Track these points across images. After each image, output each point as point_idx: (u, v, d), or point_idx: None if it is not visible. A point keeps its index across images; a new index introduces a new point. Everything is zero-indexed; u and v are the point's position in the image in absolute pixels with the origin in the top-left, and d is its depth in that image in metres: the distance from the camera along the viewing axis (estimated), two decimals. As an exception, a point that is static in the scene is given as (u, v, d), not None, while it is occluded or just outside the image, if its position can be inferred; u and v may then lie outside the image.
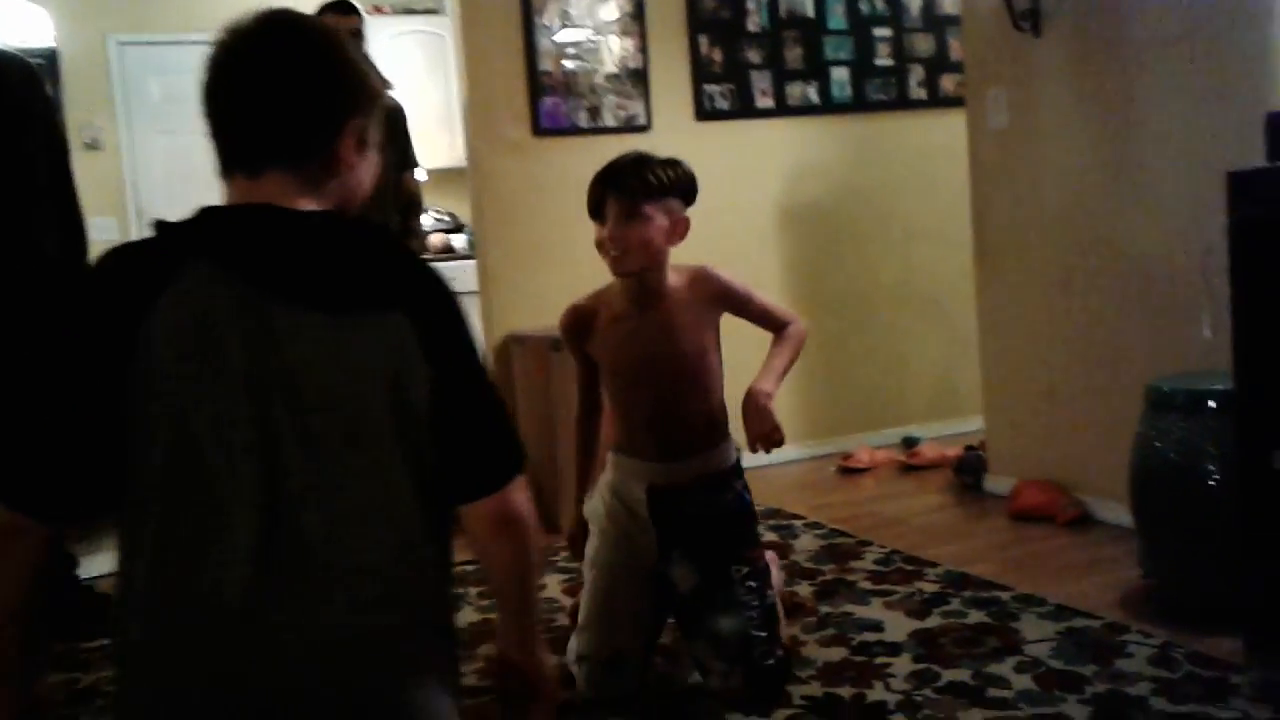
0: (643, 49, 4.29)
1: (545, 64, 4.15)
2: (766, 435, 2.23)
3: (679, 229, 2.28)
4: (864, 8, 4.64)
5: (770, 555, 2.48)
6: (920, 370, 4.73)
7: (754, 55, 4.48)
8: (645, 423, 2.33)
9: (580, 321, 2.37)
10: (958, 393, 4.60)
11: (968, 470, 3.92)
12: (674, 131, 4.23)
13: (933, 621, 2.64)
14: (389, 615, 1.22)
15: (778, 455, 2.25)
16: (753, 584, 2.28)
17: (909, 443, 4.42)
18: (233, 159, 1.30)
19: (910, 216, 4.70)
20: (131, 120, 5.95)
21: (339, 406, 1.22)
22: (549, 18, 4.16)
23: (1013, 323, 3.71)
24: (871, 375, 4.64)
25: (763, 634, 2.27)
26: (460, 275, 5.34)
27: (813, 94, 4.58)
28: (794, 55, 4.54)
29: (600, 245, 2.27)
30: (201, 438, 1.20)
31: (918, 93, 4.74)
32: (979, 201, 3.82)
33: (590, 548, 2.41)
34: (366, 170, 1.37)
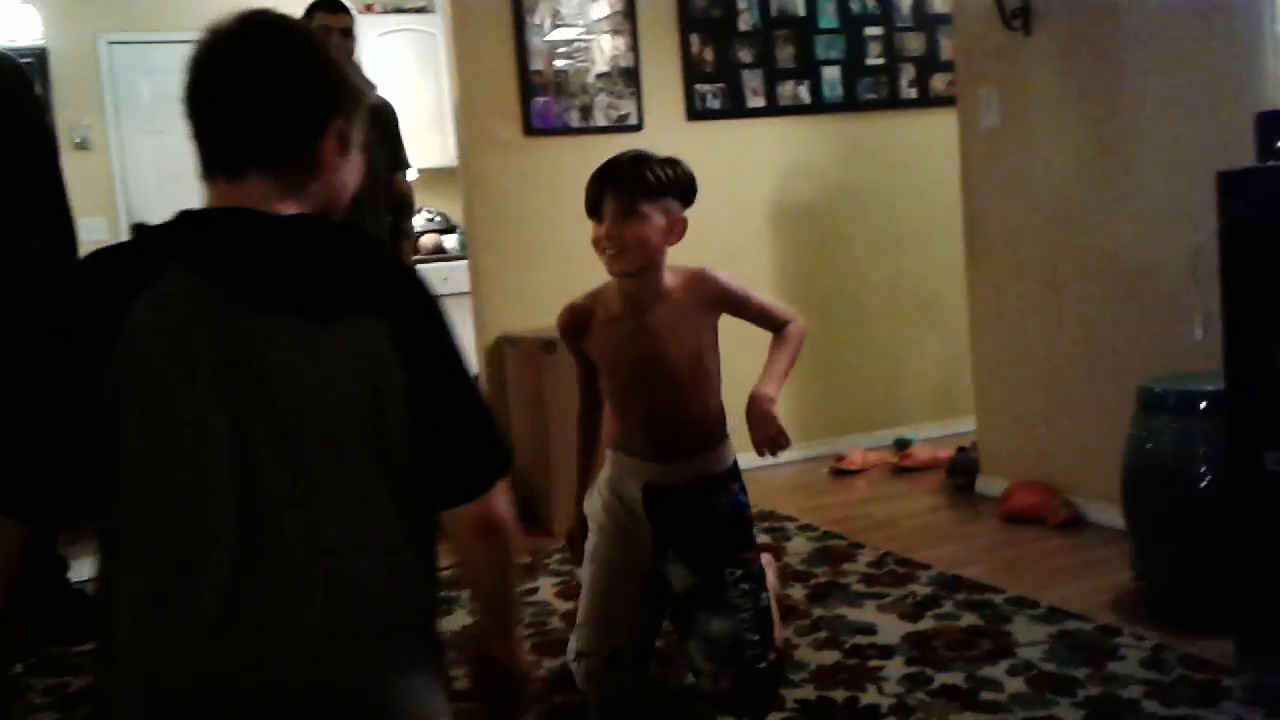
0: (634, 48, 4.28)
1: (536, 63, 4.15)
2: (772, 440, 2.22)
3: (676, 229, 2.27)
4: (855, 7, 4.64)
5: (766, 558, 2.47)
6: (912, 371, 4.73)
7: (745, 54, 4.48)
8: (641, 423, 2.33)
9: (577, 321, 2.36)
10: (950, 394, 4.60)
11: (960, 472, 3.92)
12: (665, 131, 4.22)
13: (925, 624, 2.64)
14: (369, 618, 1.22)
15: (770, 457, 2.25)
16: (746, 587, 2.27)
17: (901, 444, 4.42)
18: (213, 161, 1.29)
19: (902, 216, 4.70)
20: (121, 120, 5.93)
21: (314, 412, 1.21)
22: (540, 16, 4.15)
23: (1004, 323, 3.71)
24: (863, 376, 4.64)
25: (755, 637, 2.26)
26: (452, 276, 5.34)
27: (804, 93, 4.58)
28: (785, 54, 4.54)
29: (597, 243, 2.26)
30: (177, 443, 1.20)
31: (909, 92, 4.73)
32: (970, 201, 3.82)
33: (589, 544, 2.41)
34: (350, 172, 1.36)
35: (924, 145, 4.61)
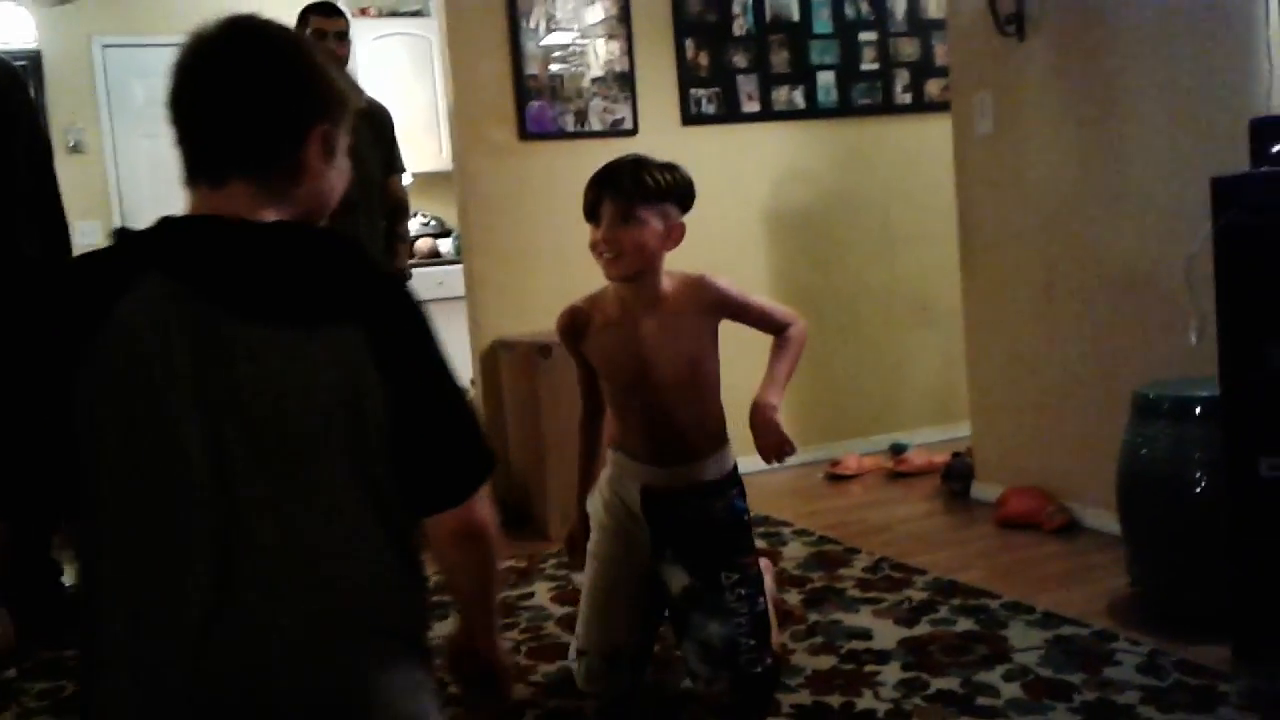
0: (629, 52, 4.28)
1: (531, 67, 4.15)
2: (777, 447, 2.22)
3: (674, 234, 2.27)
4: (849, 12, 4.64)
5: (764, 563, 2.47)
6: (908, 376, 4.73)
7: (740, 59, 4.48)
8: (638, 427, 2.32)
9: (576, 324, 2.36)
10: (945, 399, 4.60)
11: (955, 477, 3.92)
12: (660, 135, 4.22)
13: (921, 629, 2.64)
14: (348, 623, 1.22)
15: (776, 464, 2.26)
16: (743, 591, 2.27)
17: (896, 449, 4.42)
18: (196, 168, 1.29)
19: (896, 221, 4.71)
20: (115, 123, 5.92)
21: (289, 420, 1.21)
22: (535, 21, 4.15)
23: (999, 328, 3.72)
24: (859, 381, 4.64)
25: (751, 642, 2.26)
26: (447, 280, 5.34)
27: (799, 98, 4.58)
28: (780, 59, 4.54)
29: (594, 247, 2.26)
30: (153, 450, 1.20)
31: (903, 97, 4.74)
32: (965, 206, 3.83)
33: (591, 541, 2.41)
34: (336, 177, 1.36)
35: (919, 150, 4.62)
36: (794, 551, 3.34)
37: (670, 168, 2.28)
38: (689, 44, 4.39)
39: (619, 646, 2.34)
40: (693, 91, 4.41)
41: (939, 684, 2.33)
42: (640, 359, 2.29)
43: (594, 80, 4.24)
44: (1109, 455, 2.77)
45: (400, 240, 4.23)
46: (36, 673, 2.69)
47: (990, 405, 3.79)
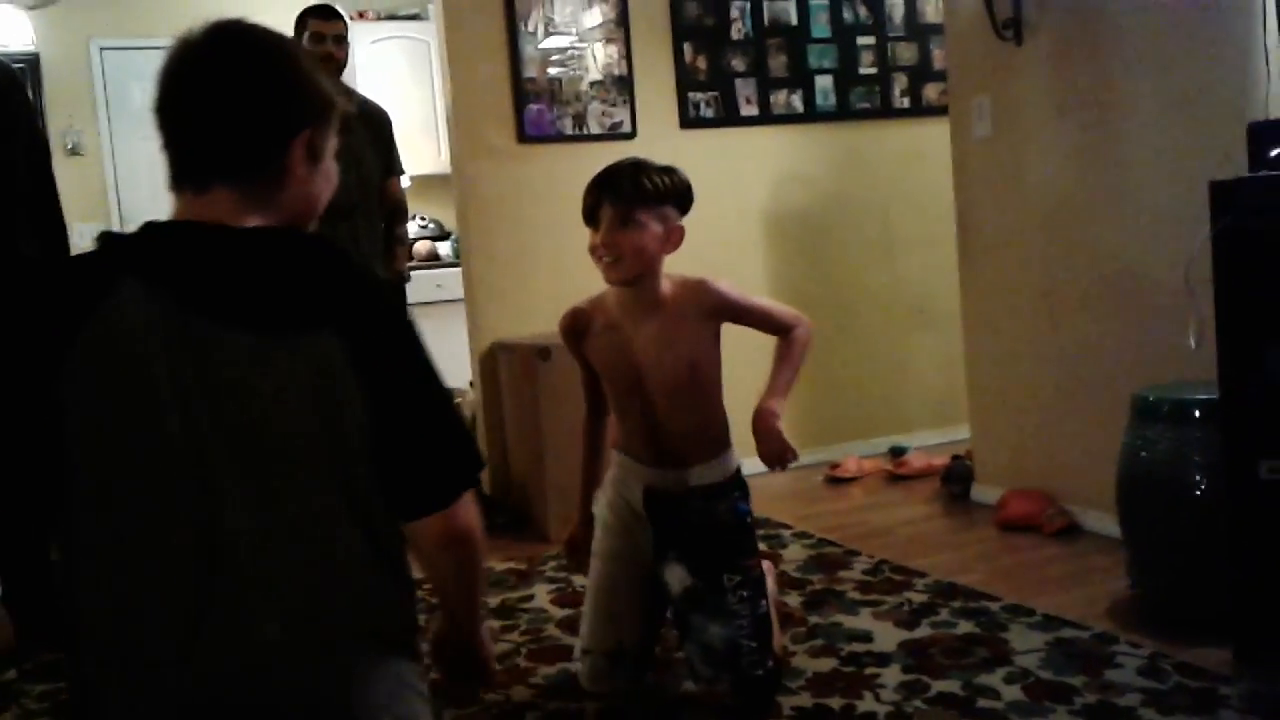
0: (627, 56, 4.29)
1: (530, 70, 4.15)
2: (779, 455, 2.23)
3: (673, 237, 2.27)
4: (847, 16, 4.65)
5: (766, 565, 2.47)
6: (907, 379, 4.74)
7: (738, 63, 4.49)
8: (639, 430, 2.33)
9: (577, 325, 2.36)
10: (945, 401, 4.60)
11: (955, 480, 3.92)
12: (659, 139, 4.23)
13: (922, 632, 2.64)
14: (328, 627, 1.22)
15: (778, 470, 2.27)
16: (745, 594, 2.27)
17: (896, 452, 4.42)
18: (181, 173, 1.29)
19: (895, 225, 4.71)
20: (114, 125, 5.92)
21: (266, 426, 1.21)
22: (533, 24, 4.15)
23: (998, 331, 3.72)
24: (858, 384, 4.64)
25: (753, 644, 2.26)
26: (446, 282, 5.34)
27: (797, 102, 4.59)
28: (778, 63, 4.55)
29: (593, 251, 2.26)
30: (131, 456, 1.21)
31: (901, 101, 4.75)
32: (963, 210, 3.83)
33: (596, 541, 2.41)
34: (322, 182, 1.36)
35: (917, 154, 4.63)
36: (794, 554, 3.34)
37: (668, 170, 2.28)
38: (687, 48, 4.40)
39: (623, 646, 2.35)
40: (691, 95, 4.41)
41: (940, 686, 2.34)
42: (640, 363, 2.29)
43: (592, 84, 4.24)
44: (1109, 458, 2.77)
45: (399, 243, 4.22)
46: (37, 674, 2.68)
47: (990, 408, 3.80)
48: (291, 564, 1.21)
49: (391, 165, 4.15)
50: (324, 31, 3.90)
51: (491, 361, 4.13)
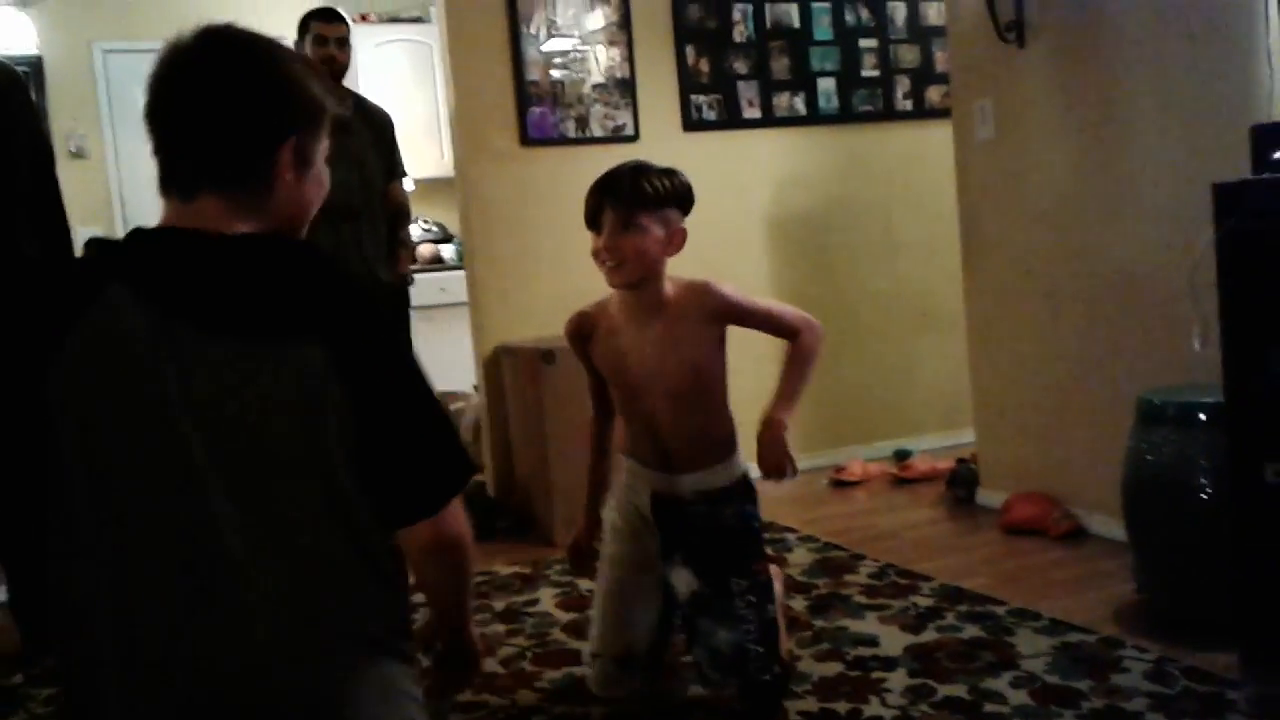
0: (629, 59, 4.29)
1: (532, 73, 4.15)
2: (778, 467, 2.23)
3: (675, 240, 2.27)
4: (850, 19, 4.65)
5: (774, 569, 2.46)
6: (911, 382, 4.73)
7: (741, 66, 4.49)
8: (644, 434, 2.33)
9: (583, 329, 2.36)
10: (949, 405, 4.60)
11: (960, 483, 3.92)
12: (661, 142, 4.23)
13: (928, 636, 2.64)
14: (313, 633, 1.23)
15: (775, 482, 2.26)
16: (752, 598, 2.27)
17: (901, 456, 4.42)
18: (169, 179, 1.30)
19: (898, 226, 4.71)
20: (117, 128, 5.92)
21: (249, 435, 1.21)
22: (536, 27, 4.15)
23: (1002, 334, 3.72)
24: (863, 387, 4.64)
25: (760, 649, 2.26)
26: (450, 286, 5.34)
27: (799, 105, 4.59)
28: (780, 66, 4.55)
29: (596, 255, 2.26)
30: (115, 464, 1.21)
31: (904, 104, 4.75)
32: (966, 213, 3.83)
33: (605, 546, 2.41)
34: (313, 188, 1.36)
35: (919, 156, 4.63)
36: (799, 558, 3.34)
37: (669, 173, 2.28)
38: (689, 50, 4.40)
39: (632, 651, 2.34)
40: (693, 98, 4.41)
41: (946, 691, 2.33)
42: (643, 366, 2.29)
43: (595, 86, 4.24)
44: (1114, 461, 2.77)
45: (402, 246, 4.23)
46: (43, 679, 2.68)
47: (994, 411, 3.79)
48: (278, 569, 1.21)
49: (394, 168, 4.15)
50: (327, 34, 3.91)
51: (495, 365, 4.13)
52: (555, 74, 4.18)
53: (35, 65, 5.67)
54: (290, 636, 1.21)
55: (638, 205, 2.22)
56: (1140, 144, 3.14)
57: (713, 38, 4.43)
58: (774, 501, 3.83)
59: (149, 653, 1.20)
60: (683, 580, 2.30)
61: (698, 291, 2.30)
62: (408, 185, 4.31)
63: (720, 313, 2.30)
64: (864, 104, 4.68)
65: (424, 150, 5.74)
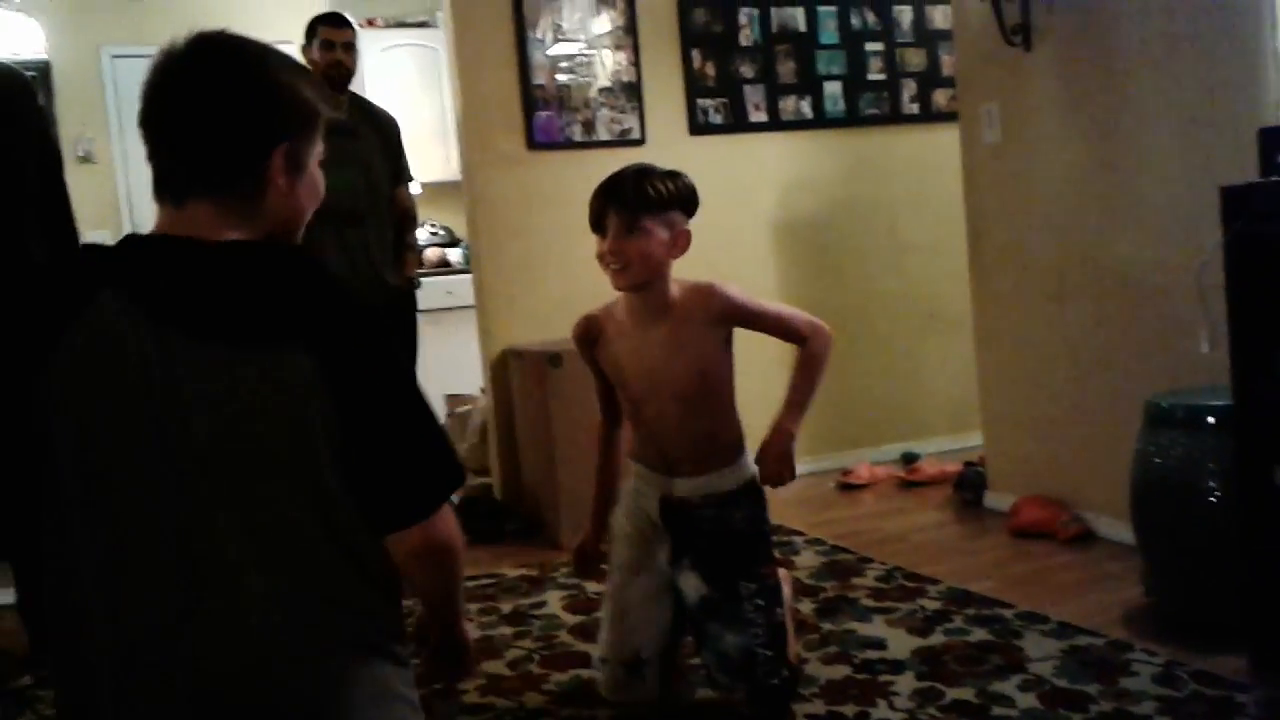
0: (636, 63, 4.29)
1: (539, 77, 4.16)
2: (776, 475, 2.23)
3: (680, 242, 2.27)
4: (856, 22, 4.66)
5: (783, 573, 2.46)
6: (919, 385, 4.73)
7: (747, 69, 4.49)
8: (650, 437, 2.32)
9: (590, 332, 2.36)
10: (957, 408, 4.60)
11: (967, 487, 3.91)
12: (668, 145, 4.23)
13: (935, 639, 2.63)
14: (301, 639, 1.23)
15: (770, 489, 2.27)
16: (761, 602, 2.26)
17: (908, 459, 4.42)
18: (162, 186, 1.30)
19: (905, 230, 4.71)
20: (125, 133, 5.93)
21: (239, 440, 1.21)
22: (542, 31, 4.16)
23: (1009, 337, 3.71)
24: (870, 390, 4.63)
25: (768, 653, 2.25)
26: (457, 289, 5.35)
27: (806, 108, 4.59)
28: (787, 69, 4.55)
29: (601, 259, 2.26)
30: (105, 471, 1.22)
31: (910, 107, 4.75)
32: (973, 216, 3.83)
33: (614, 550, 2.41)
34: (306, 193, 1.36)
35: (926, 160, 4.63)
36: (806, 561, 3.34)
37: (673, 175, 2.28)
38: (696, 54, 4.41)
39: (642, 655, 2.34)
40: (700, 101, 4.42)
41: (954, 694, 2.33)
42: (649, 369, 2.28)
43: (601, 90, 4.25)
44: (1122, 464, 2.76)
45: (409, 249, 4.23)
46: (51, 681, 2.69)
47: (1002, 414, 3.79)
48: (269, 571, 1.22)
49: (401, 172, 4.16)
50: (334, 39, 3.92)
51: (502, 368, 4.13)
52: (561, 78, 4.19)
53: (43, 70, 5.69)
54: (286, 637, 1.22)
55: (641, 208, 2.22)
56: (1147, 147, 3.13)
57: (719, 42, 4.43)
58: (781, 504, 3.82)
59: (147, 653, 1.20)
60: (691, 584, 2.30)
61: (703, 293, 2.30)
62: (414, 189, 4.32)
63: (725, 314, 2.29)
64: (870, 107, 4.69)
65: (430, 154, 5.75)
